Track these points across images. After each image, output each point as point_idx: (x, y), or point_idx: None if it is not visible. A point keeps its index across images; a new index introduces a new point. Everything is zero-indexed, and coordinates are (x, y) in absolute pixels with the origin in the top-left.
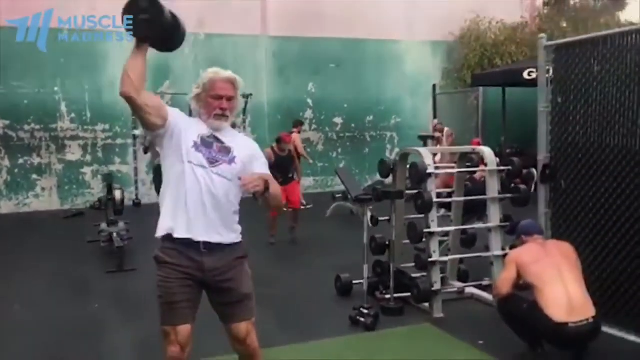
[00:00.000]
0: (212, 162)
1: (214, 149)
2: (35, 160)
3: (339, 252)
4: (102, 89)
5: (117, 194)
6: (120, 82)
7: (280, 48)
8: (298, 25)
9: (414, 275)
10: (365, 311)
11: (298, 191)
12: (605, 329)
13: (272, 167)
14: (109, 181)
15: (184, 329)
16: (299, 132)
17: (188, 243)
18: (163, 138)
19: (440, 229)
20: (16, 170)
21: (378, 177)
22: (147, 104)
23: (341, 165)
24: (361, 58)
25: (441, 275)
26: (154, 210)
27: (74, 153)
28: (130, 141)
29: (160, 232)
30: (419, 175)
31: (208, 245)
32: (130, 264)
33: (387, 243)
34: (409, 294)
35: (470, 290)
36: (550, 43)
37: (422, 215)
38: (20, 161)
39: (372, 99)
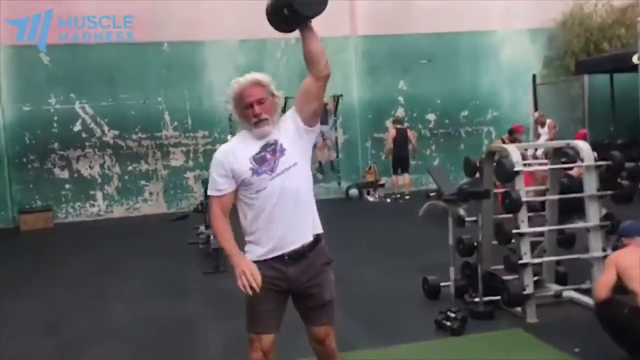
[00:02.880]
0: (275, 170)
1: (269, 160)
2: (142, 166)
3: (429, 253)
4: (201, 96)
5: None
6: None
7: (369, 47)
8: (387, 23)
9: (506, 277)
10: (452, 315)
11: None
12: None
13: None
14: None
15: (267, 338)
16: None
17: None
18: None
19: (530, 230)
20: (126, 177)
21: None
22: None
23: (435, 163)
24: (454, 51)
25: (536, 278)
26: None
27: (177, 159)
28: None
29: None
30: (506, 173)
31: (292, 254)
32: (225, 265)
33: (475, 244)
34: (499, 297)
35: (569, 293)
36: None
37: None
38: (130, 168)
39: (467, 93)
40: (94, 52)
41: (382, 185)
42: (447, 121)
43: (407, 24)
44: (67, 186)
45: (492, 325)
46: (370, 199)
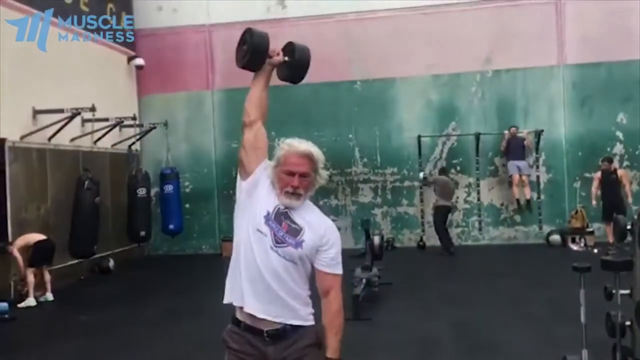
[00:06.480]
0: (278, 242)
1: (282, 227)
2: (332, 201)
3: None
4: (391, 133)
5: (376, 240)
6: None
7: (580, 77)
8: (603, 48)
9: None
10: None
11: None
12: None
13: None
14: (366, 227)
15: None
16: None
17: (252, 330)
18: (242, 189)
19: None
20: None
21: None
22: (250, 138)
23: None
24: None
25: None
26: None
27: (365, 195)
28: (417, 183)
29: (225, 299)
30: (620, 232)
31: (272, 333)
32: (369, 312)
33: (629, 324)
34: None
35: None
36: None
37: None
38: (320, 202)
39: None
40: (291, 91)
41: (591, 233)
42: None
43: (626, 48)
44: None
45: None
46: (574, 247)
